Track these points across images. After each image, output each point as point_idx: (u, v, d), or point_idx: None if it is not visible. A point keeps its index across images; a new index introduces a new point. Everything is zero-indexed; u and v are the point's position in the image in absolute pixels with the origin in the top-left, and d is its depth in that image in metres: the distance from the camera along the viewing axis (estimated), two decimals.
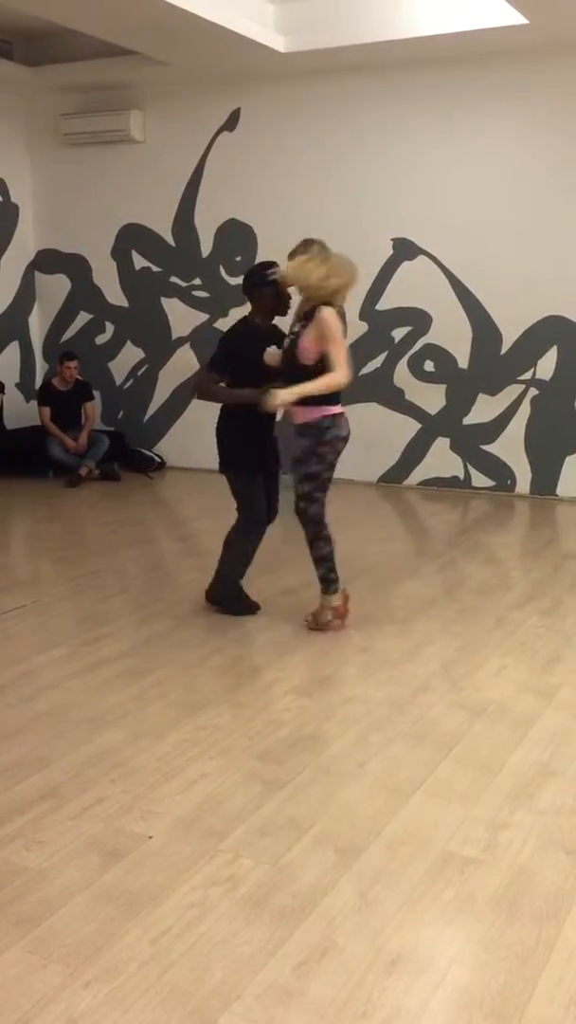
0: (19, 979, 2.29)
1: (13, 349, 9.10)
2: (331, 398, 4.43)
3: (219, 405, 4.74)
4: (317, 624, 4.64)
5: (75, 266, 9.02)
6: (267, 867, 2.74)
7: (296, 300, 4.61)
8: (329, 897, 2.60)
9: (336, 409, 4.48)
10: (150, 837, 2.88)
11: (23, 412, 8.87)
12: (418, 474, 8.02)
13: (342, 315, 4.49)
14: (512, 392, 7.57)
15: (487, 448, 7.74)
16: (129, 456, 8.71)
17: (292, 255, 4.58)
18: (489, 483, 7.77)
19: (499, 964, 2.35)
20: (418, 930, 2.48)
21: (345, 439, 4.52)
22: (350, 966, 2.34)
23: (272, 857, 2.79)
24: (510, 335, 7.48)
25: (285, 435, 4.73)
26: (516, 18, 6.27)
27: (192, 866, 2.74)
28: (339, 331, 4.37)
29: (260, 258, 8.09)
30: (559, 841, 2.87)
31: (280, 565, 5.79)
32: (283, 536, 6.72)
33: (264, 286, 4.58)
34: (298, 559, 5.93)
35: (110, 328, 9.00)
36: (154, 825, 2.95)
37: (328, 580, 4.63)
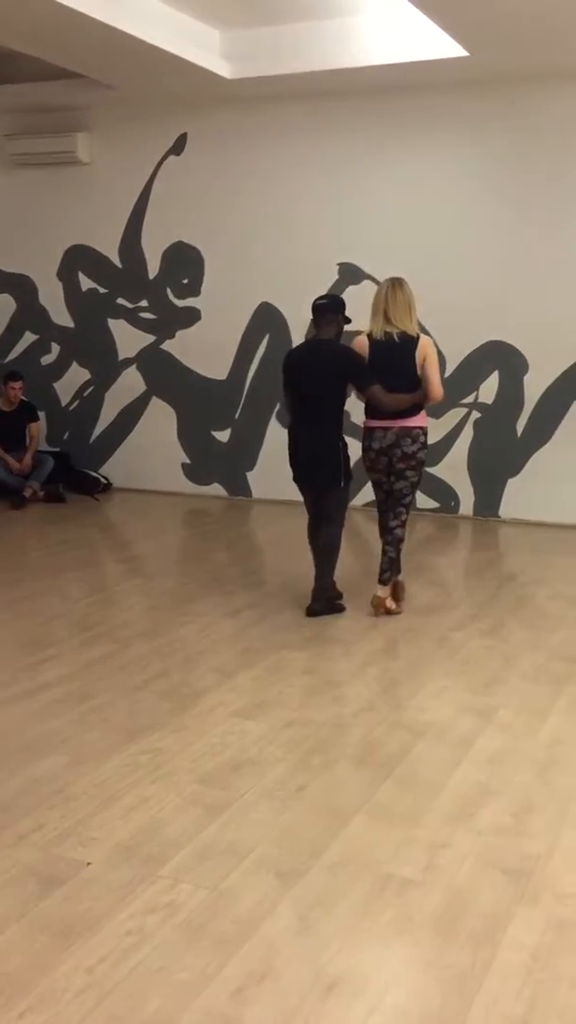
0: None
1: None
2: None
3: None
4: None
5: (20, 286, 8.97)
6: (207, 892, 2.73)
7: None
8: (268, 921, 2.60)
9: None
10: (88, 864, 2.85)
11: None
12: (363, 496, 8.05)
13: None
14: (455, 415, 7.68)
15: (431, 470, 7.81)
16: (75, 477, 8.65)
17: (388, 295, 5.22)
18: (433, 505, 7.86)
19: (436, 986, 2.36)
20: (357, 953, 2.49)
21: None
22: (288, 991, 2.33)
23: (212, 882, 2.77)
24: (453, 359, 7.59)
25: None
26: (458, 51, 6.41)
27: (131, 893, 2.71)
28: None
29: (207, 280, 8.15)
30: (497, 861, 2.90)
31: (225, 584, 5.80)
32: (228, 558, 6.74)
33: (343, 314, 5.22)
34: (241, 580, 5.94)
35: (56, 349, 8.95)
36: (93, 851, 2.92)
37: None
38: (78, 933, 2.53)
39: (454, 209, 7.45)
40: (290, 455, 5.26)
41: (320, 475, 5.18)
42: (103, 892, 2.72)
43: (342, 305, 5.23)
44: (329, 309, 5.19)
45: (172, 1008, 2.26)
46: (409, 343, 5.08)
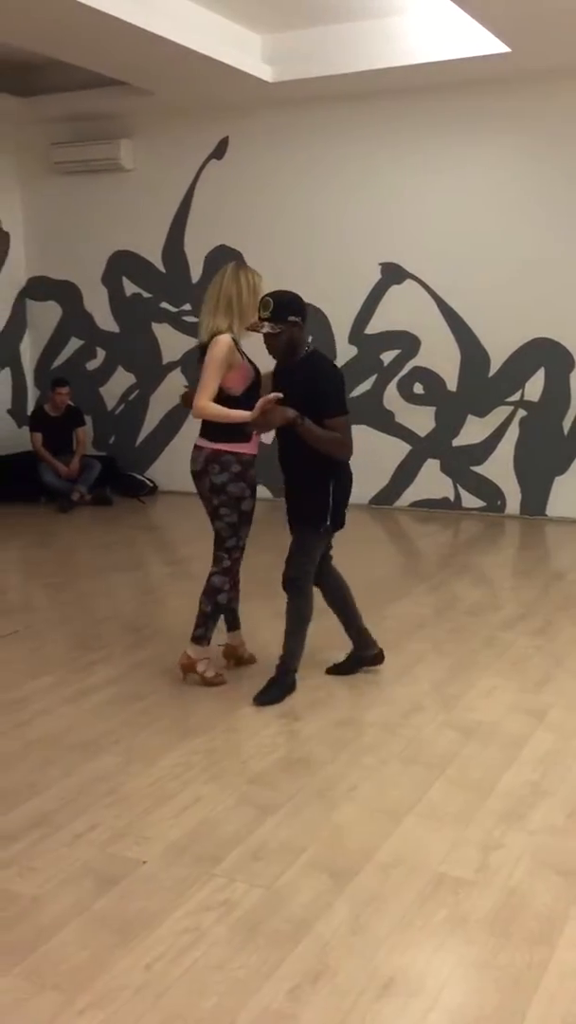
0: (14, 1006, 2.29)
1: (5, 376, 9.15)
2: None
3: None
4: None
5: (66, 293, 9.09)
6: (261, 891, 2.75)
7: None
8: (322, 920, 2.61)
9: None
10: (144, 862, 2.89)
11: (15, 438, 8.91)
12: (408, 495, 8.06)
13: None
14: (501, 414, 7.63)
15: (477, 469, 7.79)
16: (121, 481, 8.74)
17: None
18: (479, 504, 7.82)
19: (492, 986, 2.36)
20: (411, 952, 2.49)
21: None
22: (344, 990, 2.34)
23: (266, 881, 2.79)
24: (498, 357, 7.56)
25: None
26: (499, 47, 6.38)
27: (186, 891, 2.74)
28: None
29: None
30: (551, 862, 2.88)
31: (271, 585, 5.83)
32: (273, 560, 6.76)
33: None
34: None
35: (101, 354, 9.05)
36: (148, 850, 2.96)
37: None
38: (135, 931, 2.57)
39: (497, 206, 7.40)
40: (345, 497, 4.13)
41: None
42: (159, 890, 2.75)
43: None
44: (299, 312, 4.03)
45: (229, 1005, 2.29)
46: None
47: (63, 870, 2.85)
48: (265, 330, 3.87)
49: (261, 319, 3.89)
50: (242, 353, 4.09)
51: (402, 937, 2.54)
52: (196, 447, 4.17)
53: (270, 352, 4.00)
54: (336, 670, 4.42)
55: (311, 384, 3.89)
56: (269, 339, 3.92)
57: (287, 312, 3.87)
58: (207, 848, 2.97)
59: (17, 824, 3.11)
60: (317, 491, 4.03)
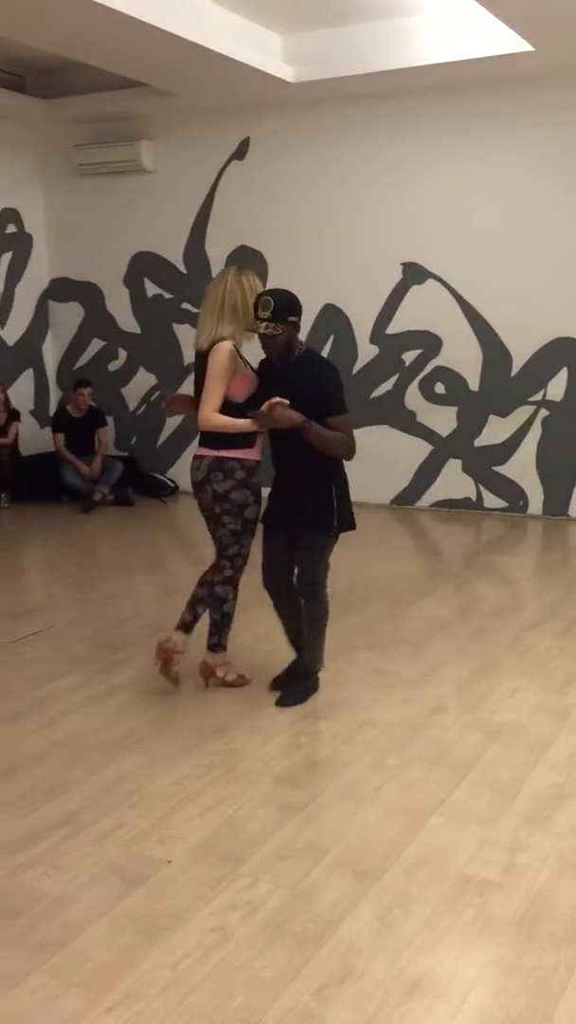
0: (42, 1004, 2.30)
1: (27, 377, 9.19)
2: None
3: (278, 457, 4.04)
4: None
5: (88, 294, 9.13)
6: (286, 891, 2.75)
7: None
8: (348, 921, 2.61)
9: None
10: (169, 862, 2.90)
11: (37, 439, 8.94)
12: (430, 496, 8.04)
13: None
14: (523, 413, 7.59)
15: (499, 469, 7.75)
16: (142, 481, 8.77)
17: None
18: (501, 504, 7.79)
19: (519, 988, 2.35)
20: (437, 954, 2.48)
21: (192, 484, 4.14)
22: (370, 991, 2.34)
23: (291, 881, 2.79)
24: (520, 357, 7.52)
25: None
26: (522, 45, 6.35)
27: (211, 891, 2.75)
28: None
29: (271, 283, 8.10)
30: None
31: None
32: None
33: None
34: None
35: (123, 354, 9.08)
36: (172, 850, 2.96)
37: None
38: (161, 930, 2.57)
39: (519, 206, 7.37)
40: (347, 496, 4.05)
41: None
42: (184, 890, 2.76)
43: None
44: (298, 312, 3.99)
45: (256, 1005, 2.29)
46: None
47: (88, 869, 2.86)
48: (268, 331, 3.77)
49: (260, 319, 3.77)
50: (244, 360, 3.99)
51: (428, 939, 2.54)
52: (196, 456, 4.07)
53: (268, 353, 3.89)
54: (278, 685, 4.20)
55: (312, 385, 3.83)
56: (268, 340, 3.80)
57: (287, 312, 3.79)
58: (231, 848, 2.97)
59: (43, 823, 3.12)
60: (320, 495, 3.94)
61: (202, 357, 3.95)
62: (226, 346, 3.87)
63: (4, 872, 2.85)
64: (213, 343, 3.89)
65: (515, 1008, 2.28)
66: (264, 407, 3.77)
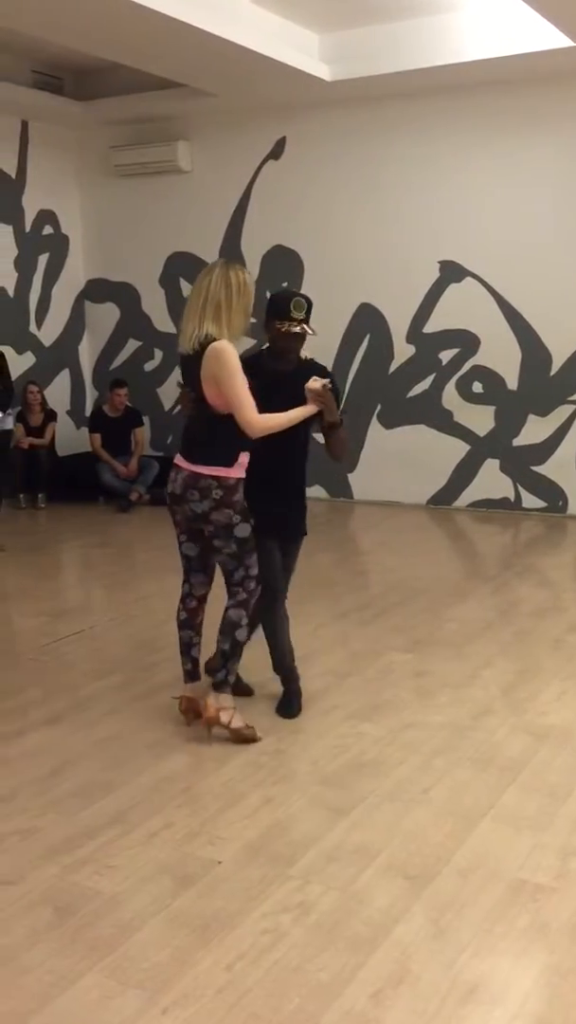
0: (98, 1004, 2.30)
1: (64, 377, 9.25)
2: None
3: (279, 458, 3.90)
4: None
5: (124, 294, 9.16)
6: (337, 893, 2.73)
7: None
8: (401, 924, 2.59)
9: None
10: (219, 862, 2.89)
11: (74, 439, 9.00)
12: (467, 496, 7.99)
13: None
14: (562, 413, 7.53)
15: (537, 469, 7.69)
16: None
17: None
18: (540, 504, 7.72)
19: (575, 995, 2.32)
20: (493, 959, 2.46)
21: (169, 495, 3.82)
22: (427, 995, 2.32)
23: (342, 883, 2.78)
24: (560, 356, 7.45)
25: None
26: (563, 41, 6.29)
27: (262, 892, 2.74)
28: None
29: (307, 282, 8.13)
30: None
31: (333, 586, 5.80)
32: (332, 560, 6.75)
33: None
34: (348, 581, 5.95)
35: (159, 355, 9.11)
36: (222, 850, 2.96)
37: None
38: (215, 931, 2.57)
39: (557, 203, 7.30)
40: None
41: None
42: (235, 890, 2.75)
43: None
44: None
45: (312, 1008, 2.28)
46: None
47: (140, 868, 2.86)
48: (308, 332, 3.70)
49: (295, 319, 3.67)
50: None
51: (483, 943, 2.51)
52: (175, 465, 3.71)
53: (286, 353, 3.77)
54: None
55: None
56: (295, 341, 3.73)
57: (310, 316, 3.77)
58: (281, 849, 2.96)
59: (93, 822, 3.13)
60: (304, 499, 4.02)
61: (190, 360, 3.61)
62: (226, 344, 3.50)
63: (57, 870, 2.86)
64: (203, 345, 3.53)
65: (573, 1015, 2.25)
66: (316, 385, 3.63)
